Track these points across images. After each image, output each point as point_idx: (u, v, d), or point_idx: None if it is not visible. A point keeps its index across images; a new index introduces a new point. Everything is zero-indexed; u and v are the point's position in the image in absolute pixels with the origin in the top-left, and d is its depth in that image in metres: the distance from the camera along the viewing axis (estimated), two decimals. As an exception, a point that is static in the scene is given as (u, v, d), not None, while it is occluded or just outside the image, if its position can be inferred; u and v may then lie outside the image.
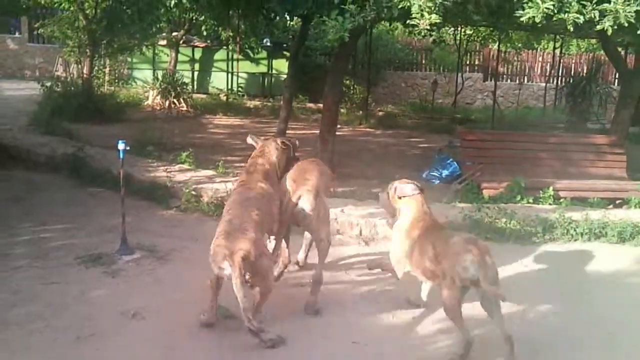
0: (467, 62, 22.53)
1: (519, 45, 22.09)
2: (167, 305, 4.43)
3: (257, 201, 4.28)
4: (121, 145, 5.45)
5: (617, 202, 7.98)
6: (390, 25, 17.85)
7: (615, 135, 9.36)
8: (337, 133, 11.33)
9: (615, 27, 5.43)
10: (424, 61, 22.78)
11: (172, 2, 10.73)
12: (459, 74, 19.35)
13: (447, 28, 17.52)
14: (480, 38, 19.89)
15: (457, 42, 19.05)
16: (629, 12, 5.18)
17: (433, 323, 4.32)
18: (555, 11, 5.32)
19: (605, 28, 5.43)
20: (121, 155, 5.49)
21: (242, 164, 9.22)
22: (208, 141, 11.75)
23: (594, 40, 20.62)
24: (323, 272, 4.62)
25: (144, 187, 7.22)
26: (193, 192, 6.94)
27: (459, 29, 17.93)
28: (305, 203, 4.54)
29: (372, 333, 4.12)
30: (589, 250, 6.15)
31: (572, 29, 5.62)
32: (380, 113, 18.23)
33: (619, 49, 13.89)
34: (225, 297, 4.48)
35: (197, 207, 6.80)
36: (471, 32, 19.51)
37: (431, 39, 16.87)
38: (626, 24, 5.34)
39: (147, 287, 4.76)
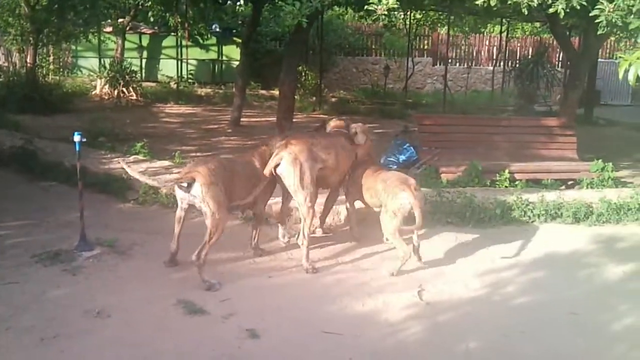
0: (417, 47, 22.73)
1: (467, 29, 22.40)
2: (132, 302, 4.31)
3: None
4: (77, 138, 5.25)
5: (570, 182, 8.24)
6: (341, 9, 17.82)
7: (565, 117, 9.60)
8: (293, 120, 11.28)
9: (568, 9, 5.56)
10: (374, 46, 22.85)
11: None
12: (409, 59, 19.49)
13: (397, 12, 17.59)
14: (429, 22, 20.07)
15: (407, 26, 19.16)
16: (581, -6, 5.31)
17: (401, 309, 4.34)
18: (510, -6, 5.40)
19: (558, 11, 5.55)
20: (77, 148, 5.30)
21: (198, 154, 9.19)
22: (161, 131, 11.52)
23: (538, 24, 21.11)
24: (307, 236, 5.00)
25: (99, 180, 6.99)
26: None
27: (409, 13, 18.01)
28: (284, 164, 4.93)
29: (343, 322, 4.11)
30: (546, 231, 6.30)
31: (526, 12, 5.72)
32: (334, 99, 18.25)
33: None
34: (191, 291, 4.45)
35: (156, 199, 6.64)
36: (420, 17, 19.66)
37: (381, 24, 17.05)
38: (578, 7, 5.47)
39: (110, 284, 4.62)
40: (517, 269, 5.27)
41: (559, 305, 4.55)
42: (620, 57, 4.00)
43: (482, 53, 24.16)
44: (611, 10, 5.22)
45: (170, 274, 4.84)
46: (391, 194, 5.02)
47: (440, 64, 21.99)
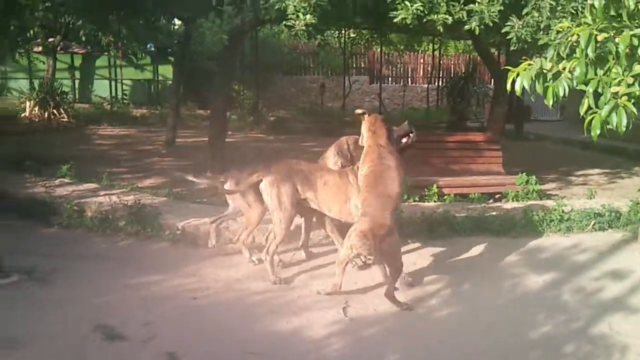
0: (354, 65, 23.08)
1: (401, 47, 22.93)
2: (48, 330, 4.17)
3: None
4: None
5: (497, 196, 8.48)
6: (270, 27, 17.94)
7: (491, 132, 9.90)
8: (229, 139, 11.23)
9: (482, 26, 5.76)
10: (311, 65, 23.07)
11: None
12: (346, 77, 19.74)
13: (331, 31, 17.85)
14: (364, 41, 20.44)
15: (342, 45, 19.44)
16: (493, 12, 5.52)
17: (325, 326, 4.35)
18: (426, 12, 5.56)
19: (473, 28, 5.75)
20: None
21: (129, 175, 9.03)
22: (92, 153, 11.28)
23: (470, 42, 21.81)
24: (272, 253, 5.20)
25: (21, 205, 6.79)
26: (75, 207, 6.61)
27: (343, 32, 18.30)
28: (264, 185, 5.15)
29: (267, 341, 4.09)
30: (471, 244, 6.44)
31: (442, 30, 5.90)
32: (272, 118, 18.28)
33: (492, 50, 14.75)
34: (112, 316, 4.33)
35: (81, 222, 6.48)
36: (355, 35, 20.00)
37: (316, 43, 17.27)
38: (491, 24, 5.68)
39: (26, 313, 4.45)
40: (441, 282, 5.36)
41: (480, 315, 4.65)
42: (506, 68, 4.19)
43: (418, 71, 24.75)
44: (520, 26, 5.45)
45: (91, 299, 4.71)
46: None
47: (376, 82, 22.38)
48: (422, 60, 24.64)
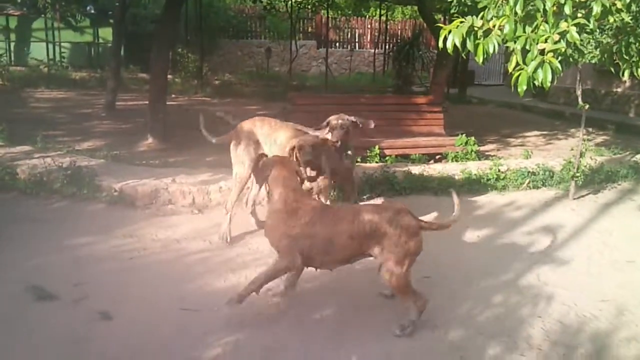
0: (301, 30, 22.86)
1: (349, 12, 22.80)
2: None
3: None
4: None
5: (437, 157, 8.64)
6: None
7: (434, 95, 10.02)
8: (172, 103, 11.06)
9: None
10: (258, 29, 22.74)
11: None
12: (293, 42, 19.58)
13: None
14: (310, 5, 20.25)
15: (289, 9, 19.22)
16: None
17: (264, 282, 4.37)
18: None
19: (418, -9, 5.77)
20: None
21: (66, 138, 8.77)
22: (27, 116, 10.89)
23: (416, 7, 21.87)
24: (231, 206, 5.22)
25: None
26: (8, 170, 6.39)
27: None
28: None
29: (202, 299, 4.09)
30: (411, 203, 6.54)
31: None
32: (217, 82, 18.01)
33: (438, 15, 14.86)
34: (44, 277, 4.25)
35: (13, 185, 6.28)
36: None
37: (263, 6, 17.01)
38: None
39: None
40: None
41: (419, 271, 4.76)
42: (439, 26, 4.23)
43: (365, 36, 24.71)
44: (461, -11, 5.50)
45: (23, 261, 4.59)
46: None
47: (323, 47, 22.27)
48: (369, 26, 24.60)
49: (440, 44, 4.15)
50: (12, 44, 18.35)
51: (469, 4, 5.75)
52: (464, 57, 4.41)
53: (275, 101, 14.67)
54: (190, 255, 4.91)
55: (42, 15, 17.78)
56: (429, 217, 6.12)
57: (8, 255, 4.69)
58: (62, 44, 17.95)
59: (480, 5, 4.65)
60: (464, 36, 4.07)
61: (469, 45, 4.07)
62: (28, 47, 18.53)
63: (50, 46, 17.21)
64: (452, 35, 4.06)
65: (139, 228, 5.40)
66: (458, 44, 4.03)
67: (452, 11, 6.27)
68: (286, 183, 3.90)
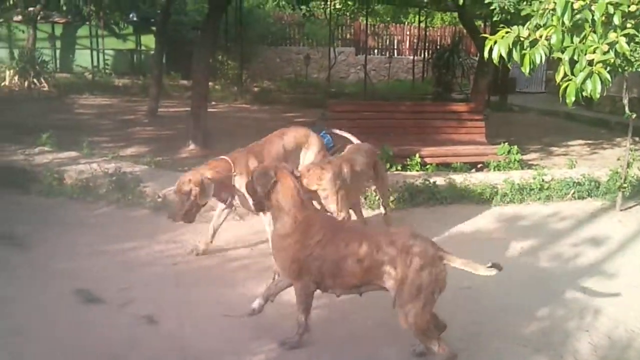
0: (339, 37, 22.89)
1: (388, 19, 22.72)
2: (24, 294, 4.16)
3: None
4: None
5: (479, 165, 8.55)
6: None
7: (475, 103, 9.93)
8: (212, 110, 11.19)
9: (469, -1, 5.75)
10: (296, 36, 22.87)
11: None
12: (331, 48, 19.62)
13: (317, 2, 17.69)
14: (349, 12, 20.25)
15: (328, 16, 19.28)
16: (477, -17, 5.50)
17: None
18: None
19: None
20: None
21: (110, 144, 8.96)
22: (73, 122, 11.16)
23: (456, 14, 21.71)
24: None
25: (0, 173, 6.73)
26: (55, 175, 6.57)
27: (329, 2, 18.13)
28: None
29: (245, 305, 4.10)
30: (452, 212, 6.50)
31: (427, 1, 5.88)
32: (256, 89, 18.17)
33: (478, 22, 14.72)
34: (90, 281, 4.33)
35: (61, 190, 6.44)
36: (340, 6, 19.81)
37: (302, 13, 17.11)
38: (477, -5, 5.68)
39: (3, 276, 4.44)
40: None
41: (458, 280, 4.70)
42: (484, 36, 4.18)
43: (404, 43, 24.60)
44: (504, -3, 5.44)
45: (70, 264, 4.71)
46: None
47: (362, 54, 22.25)
48: (408, 32, 24.48)
49: (486, 55, 4.11)
50: (58, 51, 18.85)
51: (512, 11, 5.67)
52: (508, 67, 4.35)
53: (313, 108, 14.72)
54: (232, 262, 4.96)
55: (87, 23, 18.22)
56: (469, 228, 6.08)
57: (54, 258, 4.81)
58: (106, 51, 18.36)
59: (523, 13, 4.60)
60: (510, 46, 4.02)
61: (515, 56, 4.02)
62: (73, 54, 19.00)
63: (94, 53, 17.60)
64: (497, 46, 4.01)
65: (182, 234, 5.47)
66: (504, 55, 3.99)
67: (494, 19, 6.19)
68: (295, 198, 3.48)
